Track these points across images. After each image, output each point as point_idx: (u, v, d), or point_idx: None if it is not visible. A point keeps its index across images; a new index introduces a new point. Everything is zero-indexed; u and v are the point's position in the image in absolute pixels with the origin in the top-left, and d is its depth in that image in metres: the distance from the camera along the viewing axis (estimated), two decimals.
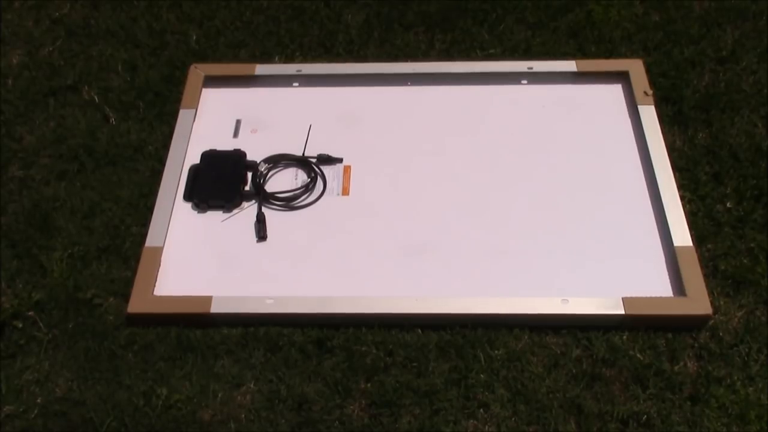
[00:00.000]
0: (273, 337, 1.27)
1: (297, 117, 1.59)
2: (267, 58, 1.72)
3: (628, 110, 1.58)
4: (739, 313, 1.29)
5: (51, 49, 1.76)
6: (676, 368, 1.23)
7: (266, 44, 1.75)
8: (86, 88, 1.67)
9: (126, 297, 1.31)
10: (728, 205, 1.43)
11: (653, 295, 1.29)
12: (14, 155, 1.55)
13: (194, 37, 1.77)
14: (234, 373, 1.24)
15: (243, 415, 1.20)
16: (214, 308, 1.28)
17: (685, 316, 1.27)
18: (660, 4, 1.81)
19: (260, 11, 1.83)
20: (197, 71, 1.65)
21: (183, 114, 1.58)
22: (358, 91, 1.64)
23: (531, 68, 1.63)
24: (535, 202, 1.44)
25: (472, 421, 1.18)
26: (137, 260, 1.36)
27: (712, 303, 1.27)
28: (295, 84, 1.66)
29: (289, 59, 1.72)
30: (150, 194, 1.46)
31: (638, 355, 1.24)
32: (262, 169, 1.50)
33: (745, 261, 1.35)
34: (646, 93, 1.57)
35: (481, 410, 1.19)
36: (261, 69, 1.65)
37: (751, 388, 1.21)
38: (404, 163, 1.51)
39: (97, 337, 1.28)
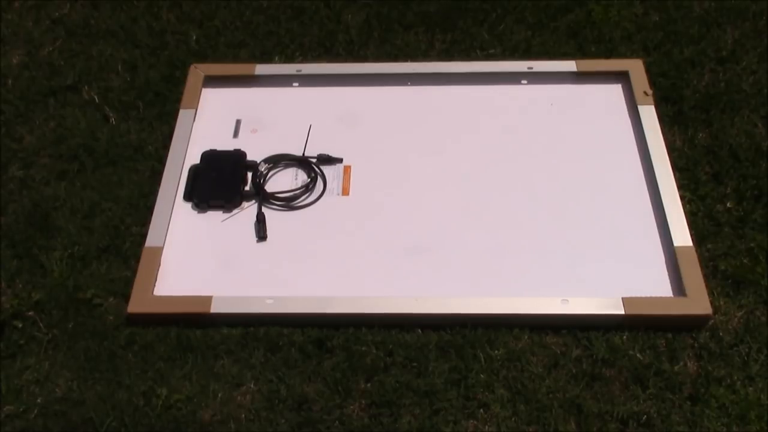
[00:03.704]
0: (273, 337, 1.27)
1: (297, 117, 1.59)
2: (267, 58, 1.72)
3: (628, 110, 1.58)
4: (739, 313, 1.29)
5: (51, 49, 1.76)
6: (676, 368, 1.23)
7: (266, 44, 1.75)
8: (86, 88, 1.67)
9: (126, 297, 1.31)
10: (728, 205, 1.43)
11: (653, 295, 1.29)
12: (14, 155, 1.55)
13: (194, 37, 1.77)
14: (234, 373, 1.24)
15: (243, 415, 1.20)
16: (214, 308, 1.28)
17: (685, 316, 1.26)
18: (660, 4, 1.81)
19: (260, 11, 1.83)
20: (197, 71, 1.65)
21: (183, 114, 1.58)
22: (358, 91, 1.64)
23: (531, 68, 1.63)
24: (535, 201, 1.44)
25: (472, 421, 1.18)
26: (137, 260, 1.36)
27: (712, 303, 1.27)
28: (295, 84, 1.66)
29: (289, 59, 1.72)
30: (150, 194, 1.46)
31: (638, 355, 1.24)
32: (262, 169, 1.50)
33: (745, 261, 1.35)
34: (646, 93, 1.57)
35: (481, 410, 1.19)
36: (261, 69, 1.65)
37: (751, 388, 1.21)
38: (404, 163, 1.51)
39: (97, 337, 1.28)
